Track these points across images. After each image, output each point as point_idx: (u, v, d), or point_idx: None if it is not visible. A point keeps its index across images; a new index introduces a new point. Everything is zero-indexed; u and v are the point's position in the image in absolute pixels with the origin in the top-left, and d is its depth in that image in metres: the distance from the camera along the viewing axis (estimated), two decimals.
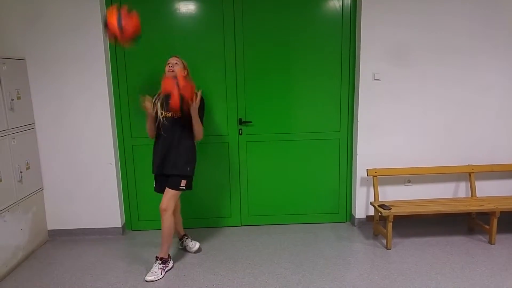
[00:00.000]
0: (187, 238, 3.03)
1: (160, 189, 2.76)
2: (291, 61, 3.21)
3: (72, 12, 2.97)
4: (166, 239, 2.68)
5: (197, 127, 2.63)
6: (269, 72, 3.21)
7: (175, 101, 2.41)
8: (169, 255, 2.76)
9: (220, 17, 3.12)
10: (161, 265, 2.67)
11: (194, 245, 3.00)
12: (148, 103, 2.61)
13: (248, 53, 3.18)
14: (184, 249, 3.02)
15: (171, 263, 2.76)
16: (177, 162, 2.63)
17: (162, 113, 2.60)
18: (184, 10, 3.11)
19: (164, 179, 2.71)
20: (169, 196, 2.63)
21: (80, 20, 2.98)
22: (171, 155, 2.64)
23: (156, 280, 2.60)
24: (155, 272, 2.63)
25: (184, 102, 2.44)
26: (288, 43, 3.18)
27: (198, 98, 2.53)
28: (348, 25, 3.17)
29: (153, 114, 2.63)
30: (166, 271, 2.70)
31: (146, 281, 2.59)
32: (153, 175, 2.76)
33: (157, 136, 2.70)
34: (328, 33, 3.17)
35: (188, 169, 2.66)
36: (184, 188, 2.66)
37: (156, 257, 2.70)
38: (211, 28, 3.14)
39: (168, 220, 2.63)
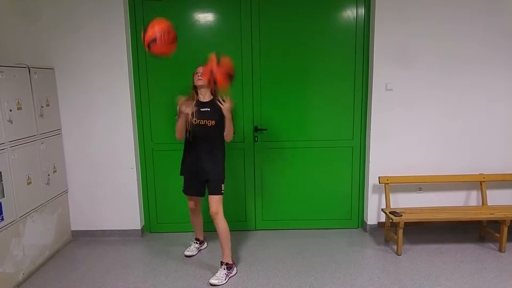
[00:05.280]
0: (197, 242, 3.14)
1: (189, 192, 2.88)
2: (306, 70, 3.30)
3: (96, 24, 3.13)
4: (225, 242, 2.71)
5: (229, 128, 2.67)
6: (284, 81, 3.31)
7: (221, 79, 2.50)
8: (233, 261, 2.79)
9: (238, 28, 3.24)
10: (225, 270, 2.69)
11: (192, 251, 3.08)
12: (184, 106, 2.63)
13: (264, 62, 3.29)
14: (198, 250, 3.14)
15: (235, 270, 2.79)
16: (213, 169, 2.71)
17: (195, 121, 2.65)
18: (203, 21, 3.24)
19: (195, 184, 2.83)
20: (216, 201, 2.69)
21: (104, 31, 3.14)
22: (206, 162, 2.71)
23: (220, 285, 2.62)
24: (220, 277, 2.65)
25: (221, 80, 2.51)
26: (303, 53, 3.28)
27: (231, 102, 2.61)
28: (362, 36, 3.26)
29: (188, 117, 2.66)
30: (230, 277, 2.71)
31: (210, 284, 2.61)
32: (179, 180, 2.86)
33: (189, 142, 2.75)
34: (342, 43, 3.26)
35: (223, 174, 2.76)
36: (223, 191, 2.74)
37: (221, 262, 2.74)
38: (229, 38, 3.25)
39: (221, 222, 2.69)
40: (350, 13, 3.24)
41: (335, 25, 3.25)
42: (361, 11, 3.22)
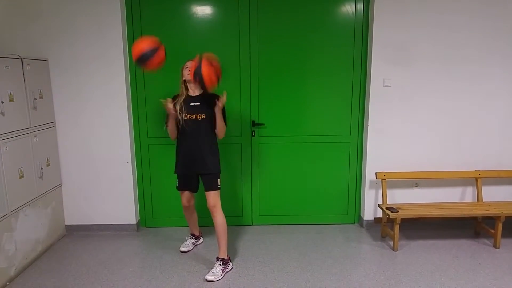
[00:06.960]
0: (192, 238, 3.11)
1: (183, 187, 2.85)
2: (304, 65, 3.28)
3: (92, 15, 3.07)
4: (222, 236, 2.69)
5: (221, 126, 2.67)
6: (282, 76, 3.29)
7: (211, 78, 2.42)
8: (229, 257, 2.78)
9: (236, 22, 3.20)
10: (221, 266, 2.68)
11: (188, 246, 3.06)
12: (170, 104, 2.62)
13: (262, 57, 3.26)
14: (194, 245, 3.12)
15: (230, 265, 2.77)
16: (208, 162, 2.69)
17: (185, 116, 2.62)
18: (201, 15, 3.20)
19: (190, 179, 2.80)
20: (213, 195, 2.69)
21: (99, 23, 3.08)
22: (200, 155, 2.68)
23: (216, 281, 2.60)
24: (216, 273, 2.64)
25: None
26: (301, 48, 3.25)
27: (224, 98, 2.57)
28: (360, 31, 3.24)
29: (177, 115, 2.64)
30: (226, 273, 2.70)
31: (206, 280, 2.59)
32: (174, 175, 2.84)
33: (180, 138, 2.73)
34: (340, 38, 3.24)
35: (219, 167, 2.75)
36: (220, 185, 2.72)
37: (217, 257, 2.72)
38: (227, 32, 3.22)
39: (219, 216, 2.67)
40: (349, 8, 3.21)
41: (334, 20, 3.22)
42: (360, 6, 3.20)
